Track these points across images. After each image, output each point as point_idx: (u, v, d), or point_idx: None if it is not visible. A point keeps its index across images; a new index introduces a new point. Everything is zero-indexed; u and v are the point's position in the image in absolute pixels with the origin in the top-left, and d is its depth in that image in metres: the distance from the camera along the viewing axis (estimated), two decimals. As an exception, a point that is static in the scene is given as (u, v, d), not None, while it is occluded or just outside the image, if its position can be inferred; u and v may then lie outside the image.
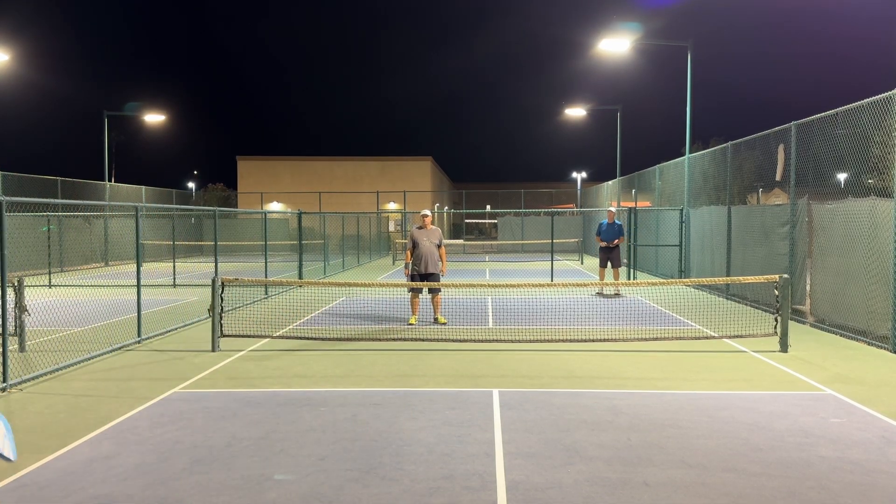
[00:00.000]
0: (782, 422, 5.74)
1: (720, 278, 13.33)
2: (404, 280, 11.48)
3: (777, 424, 5.66)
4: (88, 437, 5.38)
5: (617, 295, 14.75)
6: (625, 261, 16.36)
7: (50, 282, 17.48)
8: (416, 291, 11.15)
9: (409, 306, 11.32)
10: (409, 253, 11.04)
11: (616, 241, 15.08)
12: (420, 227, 11.15)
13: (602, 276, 15.38)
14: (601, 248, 15.37)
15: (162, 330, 10.21)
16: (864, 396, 6.58)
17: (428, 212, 11.37)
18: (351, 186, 50.64)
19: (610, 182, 31.77)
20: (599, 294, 14.96)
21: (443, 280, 11.33)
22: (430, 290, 11.13)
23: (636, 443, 5.20)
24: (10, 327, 7.86)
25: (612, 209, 15.67)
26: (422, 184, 51.68)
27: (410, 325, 10.91)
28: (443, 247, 11.16)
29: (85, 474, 4.61)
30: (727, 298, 14.00)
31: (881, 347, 8.89)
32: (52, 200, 8.24)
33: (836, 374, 7.57)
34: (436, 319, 11.11)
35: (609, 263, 15.28)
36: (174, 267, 18.27)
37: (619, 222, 15.57)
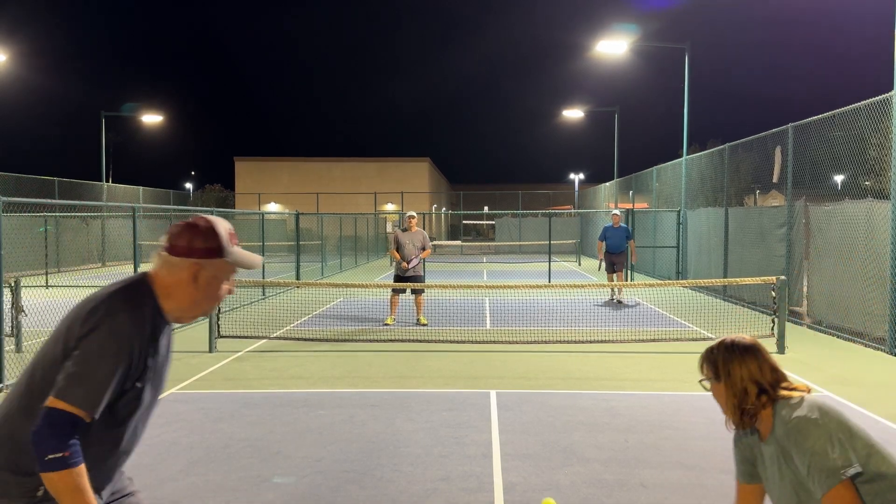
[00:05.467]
0: (779, 423, 5.74)
1: (717, 280, 13.35)
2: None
3: (774, 426, 5.66)
4: (85, 438, 5.36)
5: (619, 303, 13.82)
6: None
7: (47, 282, 17.43)
8: (396, 291, 11.20)
9: (389, 306, 11.38)
10: (395, 253, 11.07)
11: (624, 248, 13.97)
12: (405, 230, 11.19)
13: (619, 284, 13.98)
14: (606, 253, 14.02)
15: (159, 331, 10.17)
16: (861, 398, 6.59)
17: (413, 213, 11.43)
18: (349, 187, 50.62)
19: (607, 183, 31.80)
20: (616, 300, 13.90)
21: (438, 282, 11.35)
22: (413, 291, 11.18)
23: (633, 444, 5.20)
24: (7, 328, 7.84)
25: (617, 212, 14.64)
26: (419, 185, 51.67)
27: (386, 325, 10.95)
28: (427, 249, 11.17)
29: (81, 475, 4.60)
30: (724, 300, 14.01)
31: (878, 349, 8.90)
32: (49, 201, 8.25)
33: (833, 375, 7.58)
34: (418, 321, 11.15)
35: (614, 268, 14.13)
36: (171, 268, 18.18)
37: (625, 225, 14.55)
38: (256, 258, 2.19)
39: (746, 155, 14.73)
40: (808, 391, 2.38)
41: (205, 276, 2.08)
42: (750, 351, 2.39)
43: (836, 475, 2.11)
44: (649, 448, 5.11)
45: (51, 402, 1.85)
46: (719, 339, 2.48)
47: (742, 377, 2.35)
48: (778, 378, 2.38)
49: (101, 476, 2.03)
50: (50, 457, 1.81)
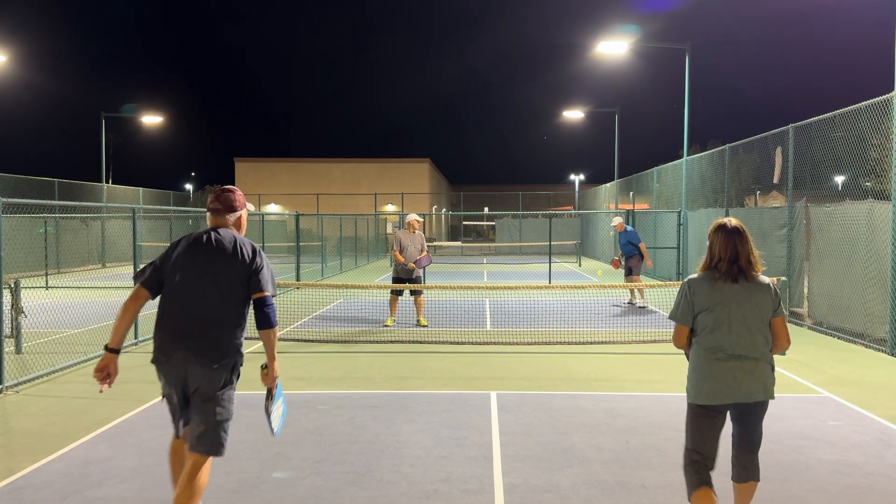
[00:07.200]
0: (780, 424, 5.73)
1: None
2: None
3: (775, 427, 5.65)
4: (85, 440, 5.36)
5: (635, 306, 13.47)
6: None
7: (47, 283, 17.44)
8: (396, 293, 11.20)
9: (388, 308, 11.38)
10: (397, 254, 11.00)
11: (634, 252, 13.51)
12: (407, 231, 11.18)
13: (631, 287, 13.26)
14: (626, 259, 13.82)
15: (159, 332, 10.16)
16: (862, 399, 6.58)
17: (419, 217, 11.42)
18: (349, 188, 50.66)
19: (608, 184, 31.80)
20: (628, 303, 13.71)
21: (439, 283, 11.35)
22: (413, 292, 11.18)
23: (634, 445, 5.19)
24: (7, 329, 7.83)
25: (618, 218, 14.06)
26: (420, 186, 51.68)
27: (386, 326, 10.95)
28: (425, 250, 11.21)
29: (81, 477, 4.59)
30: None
31: (879, 350, 8.89)
32: (49, 202, 8.22)
33: (834, 376, 7.57)
34: (418, 322, 11.16)
35: (631, 272, 13.63)
36: (171, 268, 18.18)
37: (631, 228, 13.98)
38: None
39: (747, 156, 14.73)
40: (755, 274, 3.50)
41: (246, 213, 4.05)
42: (726, 233, 3.51)
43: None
44: (650, 449, 5.10)
45: (264, 293, 3.74)
46: (727, 219, 3.60)
47: (712, 245, 3.54)
48: (733, 258, 3.46)
49: None
50: (276, 318, 3.81)
